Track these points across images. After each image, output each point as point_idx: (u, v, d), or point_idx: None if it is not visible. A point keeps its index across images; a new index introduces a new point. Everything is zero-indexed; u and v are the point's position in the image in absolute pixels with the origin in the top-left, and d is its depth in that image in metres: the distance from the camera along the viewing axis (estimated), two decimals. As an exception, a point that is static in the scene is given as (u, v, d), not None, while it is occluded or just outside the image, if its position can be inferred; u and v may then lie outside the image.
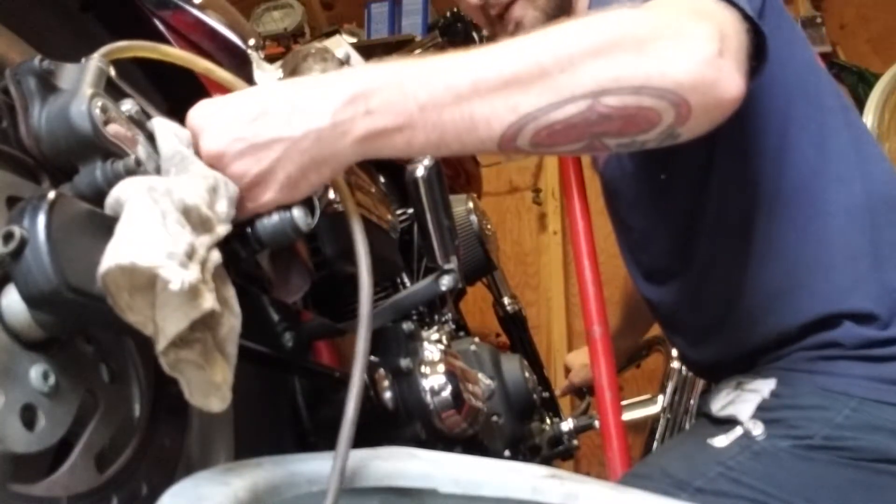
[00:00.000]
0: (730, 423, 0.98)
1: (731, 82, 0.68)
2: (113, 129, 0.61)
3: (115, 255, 0.52)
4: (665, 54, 0.66)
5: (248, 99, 0.68)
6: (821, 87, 1.03)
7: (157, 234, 0.53)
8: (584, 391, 1.80)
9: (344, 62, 1.12)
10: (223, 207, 0.62)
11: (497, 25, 1.16)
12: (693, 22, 0.68)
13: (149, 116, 0.67)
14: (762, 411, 0.96)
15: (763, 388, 0.98)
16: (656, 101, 0.67)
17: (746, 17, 0.74)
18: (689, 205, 1.06)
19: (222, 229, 0.60)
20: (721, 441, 0.96)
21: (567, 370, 1.90)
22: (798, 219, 0.99)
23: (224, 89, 0.74)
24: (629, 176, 1.15)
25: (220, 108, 0.67)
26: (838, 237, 0.98)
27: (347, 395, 0.63)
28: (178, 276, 0.52)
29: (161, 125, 0.65)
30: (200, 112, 0.67)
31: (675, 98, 0.67)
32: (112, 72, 0.64)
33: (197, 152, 0.66)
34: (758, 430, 0.94)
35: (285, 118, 0.66)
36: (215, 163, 0.65)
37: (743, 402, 0.98)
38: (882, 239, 0.98)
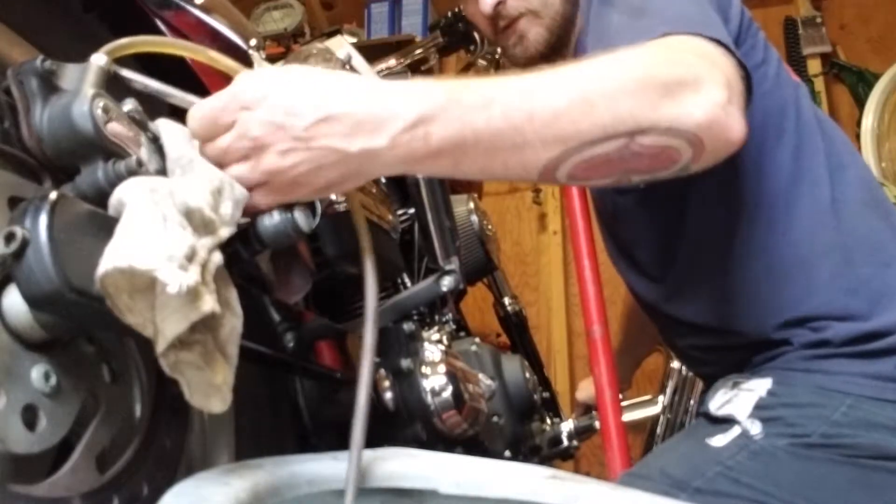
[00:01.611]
0: (728, 422, 0.98)
1: (737, 125, 0.76)
2: (115, 129, 0.61)
3: (113, 257, 0.51)
4: (688, 99, 0.72)
5: (315, 89, 0.65)
6: (796, 99, 1.08)
7: (156, 236, 0.53)
8: (591, 407, 1.81)
9: (346, 63, 1.11)
10: (227, 210, 0.62)
11: (501, 35, 1.17)
12: (705, 69, 0.75)
13: (152, 117, 0.67)
14: (759, 410, 0.96)
15: (759, 387, 0.99)
16: (680, 142, 0.73)
17: (740, 63, 0.82)
18: (669, 215, 1.09)
19: (225, 231, 0.60)
20: (719, 441, 0.96)
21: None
22: (778, 223, 1.03)
23: (226, 84, 0.74)
24: (610, 190, 1.19)
25: (287, 83, 0.65)
26: (810, 237, 1.02)
27: (357, 388, 0.63)
28: (176, 279, 0.52)
29: (167, 126, 0.65)
30: (260, 80, 0.65)
31: (695, 139, 0.73)
32: (115, 69, 0.64)
33: (203, 152, 0.65)
34: (756, 429, 0.95)
35: (346, 130, 0.64)
36: (267, 130, 0.63)
37: (740, 401, 0.99)
38: (852, 234, 1.02)
